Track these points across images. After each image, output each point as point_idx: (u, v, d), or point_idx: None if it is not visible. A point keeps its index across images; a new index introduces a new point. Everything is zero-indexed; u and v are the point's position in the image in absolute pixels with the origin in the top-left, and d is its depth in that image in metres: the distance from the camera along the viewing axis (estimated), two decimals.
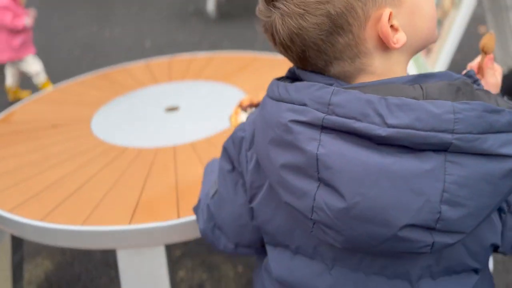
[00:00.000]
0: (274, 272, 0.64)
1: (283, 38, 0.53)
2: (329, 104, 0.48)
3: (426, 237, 0.47)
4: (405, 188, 0.45)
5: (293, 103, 0.51)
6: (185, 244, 1.88)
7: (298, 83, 0.52)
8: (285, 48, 0.54)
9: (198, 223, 0.75)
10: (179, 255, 1.82)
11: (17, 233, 0.97)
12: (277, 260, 0.64)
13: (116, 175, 1.08)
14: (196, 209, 0.79)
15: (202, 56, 1.95)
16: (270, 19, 0.53)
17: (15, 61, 3.02)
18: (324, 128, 0.48)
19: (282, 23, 0.52)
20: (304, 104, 0.50)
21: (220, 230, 0.72)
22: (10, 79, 3.13)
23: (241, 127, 0.66)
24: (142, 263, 0.95)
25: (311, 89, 0.50)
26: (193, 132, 1.26)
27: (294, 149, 0.50)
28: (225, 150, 0.69)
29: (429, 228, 0.46)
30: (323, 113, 0.48)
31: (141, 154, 1.17)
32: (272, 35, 0.54)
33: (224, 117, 1.34)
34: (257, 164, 0.62)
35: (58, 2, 6.18)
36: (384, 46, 0.52)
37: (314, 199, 0.50)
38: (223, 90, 1.55)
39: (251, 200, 0.65)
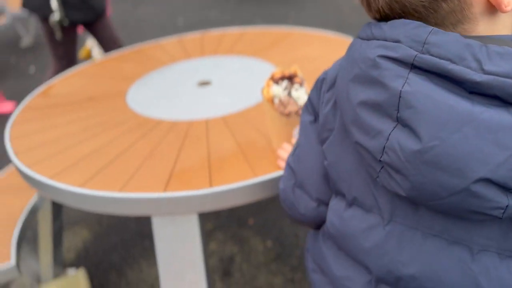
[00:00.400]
0: (327, 218, 0.64)
1: (381, 6, 0.50)
2: (424, 43, 0.45)
3: (500, 198, 0.44)
4: (490, 139, 0.42)
5: (386, 40, 0.49)
6: (217, 218, 1.92)
7: (394, 20, 0.49)
8: (382, 16, 0.52)
9: (279, 187, 0.76)
10: (211, 228, 1.87)
11: (58, 199, 1.02)
12: (333, 208, 0.64)
13: (151, 146, 1.11)
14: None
15: (234, 31, 1.94)
16: None
17: None
18: (415, 67, 0.46)
19: None
20: (398, 41, 0.47)
21: (300, 189, 0.71)
22: (92, 40, 3.36)
23: (325, 71, 0.66)
24: (176, 231, 0.98)
25: (408, 27, 0.47)
26: (224, 106, 1.28)
27: (377, 85, 0.48)
28: (308, 100, 0.68)
29: (505, 188, 0.43)
30: (416, 51, 0.46)
31: (175, 127, 1.20)
32: (368, 1, 0.52)
33: (256, 92, 1.34)
34: (334, 105, 0.61)
35: None
36: (492, 10, 0.48)
37: (388, 139, 0.48)
38: (255, 65, 1.55)
39: (321, 142, 0.65)
